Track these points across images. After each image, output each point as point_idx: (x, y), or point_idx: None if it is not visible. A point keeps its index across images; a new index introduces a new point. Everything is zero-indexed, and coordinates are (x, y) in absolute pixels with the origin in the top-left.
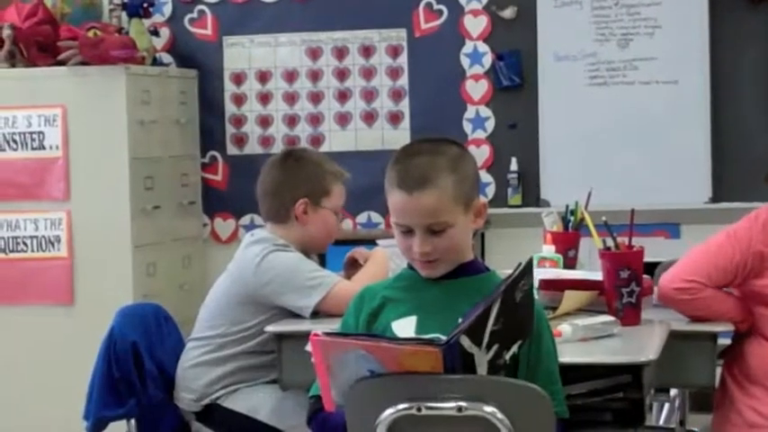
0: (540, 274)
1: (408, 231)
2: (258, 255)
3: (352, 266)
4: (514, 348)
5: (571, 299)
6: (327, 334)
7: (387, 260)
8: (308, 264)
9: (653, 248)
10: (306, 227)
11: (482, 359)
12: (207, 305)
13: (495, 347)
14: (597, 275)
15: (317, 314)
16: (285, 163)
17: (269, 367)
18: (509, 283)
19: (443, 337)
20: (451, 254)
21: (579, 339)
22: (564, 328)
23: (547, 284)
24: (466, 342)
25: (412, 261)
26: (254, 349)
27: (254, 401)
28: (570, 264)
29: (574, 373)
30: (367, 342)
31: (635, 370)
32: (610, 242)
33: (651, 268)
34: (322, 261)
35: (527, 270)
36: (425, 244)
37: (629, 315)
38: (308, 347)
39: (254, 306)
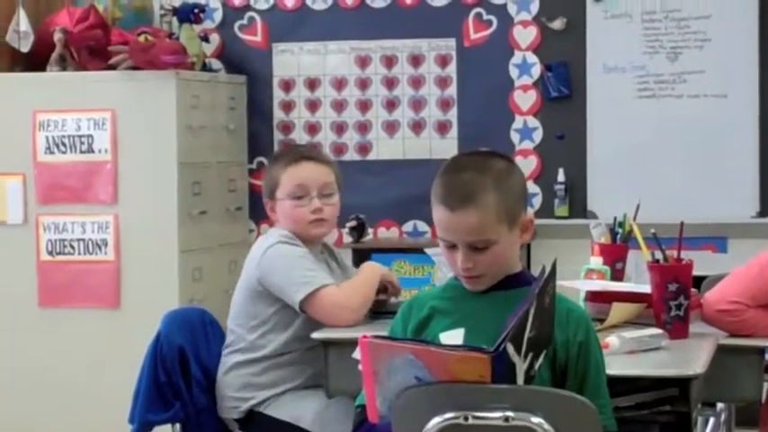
0: (587, 285)
1: (452, 246)
2: (263, 247)
3: (383, 291)
4: (541, 358)
5: (619, 311)
6: (377, 337)
7: (376, 272)
8: (308, 262)
9: (700, 262)
10: (280, 222)
11: (521, 368)
12: (231, 307)
13: (530, 356)
14: (645, 288)
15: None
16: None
17: (298, 365)
18: (540, 286)
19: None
20: (495, 269)
21: (627, 352)
22: (612, 340)
23: (594, 296)
24: (510, 349)
25: (457, 275)
26: (282, 350)
27: (298, 409)
28: (617, 276)
29: (621, 385)
30: (416, 346)
31: (682, 383)
32: (658, 255)
33: (698, 282)
34: None
35: (553, 273)
36: (468, 260)
37: (677, 328)
38: (355, 354)
39: (262, 298)
